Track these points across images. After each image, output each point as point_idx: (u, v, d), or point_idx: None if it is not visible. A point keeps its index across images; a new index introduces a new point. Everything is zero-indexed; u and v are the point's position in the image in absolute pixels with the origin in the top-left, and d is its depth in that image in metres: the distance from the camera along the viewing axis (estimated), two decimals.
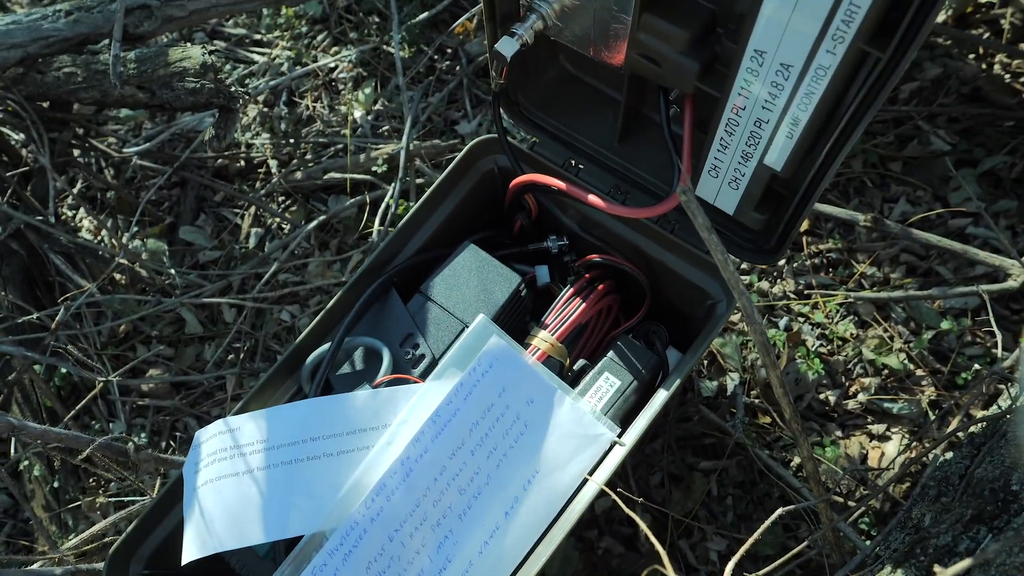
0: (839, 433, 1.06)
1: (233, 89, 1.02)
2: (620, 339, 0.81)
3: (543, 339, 0.80)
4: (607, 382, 0.79)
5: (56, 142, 1.26)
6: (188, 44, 1.02)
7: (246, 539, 0.68)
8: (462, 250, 0.83)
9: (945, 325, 1.08)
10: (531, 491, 0.69)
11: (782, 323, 1.13)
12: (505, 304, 0.80)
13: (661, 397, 0.72)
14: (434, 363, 0.77)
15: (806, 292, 1.15)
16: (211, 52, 1.00)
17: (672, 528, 1.02)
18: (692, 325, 0.84)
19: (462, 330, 0.79)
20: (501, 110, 0.83)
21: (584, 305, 0.83)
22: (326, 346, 0.77)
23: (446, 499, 0.68)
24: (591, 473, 0.70)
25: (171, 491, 0.76)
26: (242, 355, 1.24)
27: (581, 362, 0.83)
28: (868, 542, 0.90)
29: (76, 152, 1.35)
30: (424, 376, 0.76)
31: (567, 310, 0.82)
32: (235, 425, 0.73)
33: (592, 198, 0.78)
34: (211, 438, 0.74)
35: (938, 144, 1.19)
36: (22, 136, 1.30)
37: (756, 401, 1.07)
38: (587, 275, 0.85)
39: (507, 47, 0.70)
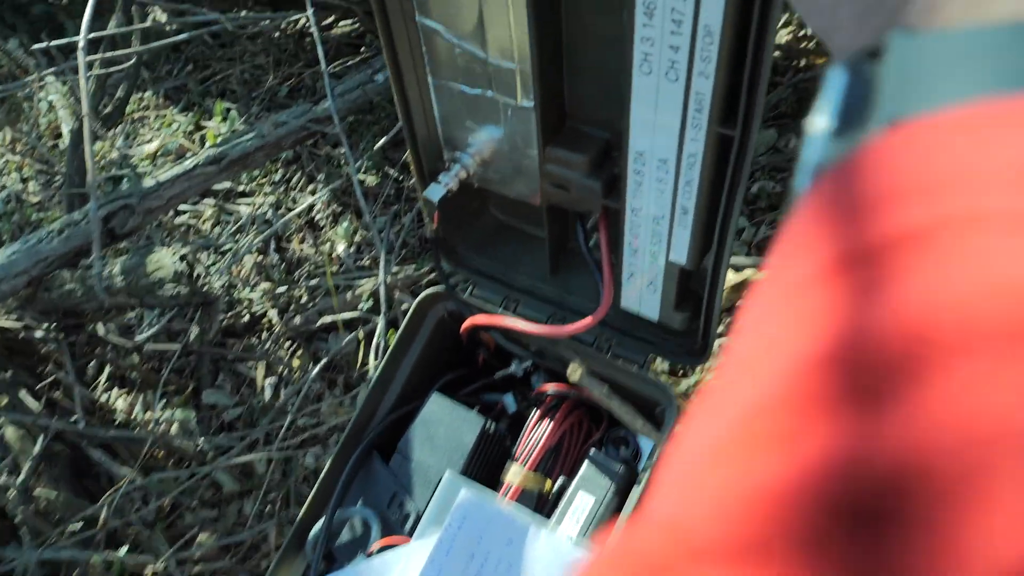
0: None
1: (206, 289, 1.13)
2: (589, 455, 0.88)
3: (515, 473, 0.87)
4: (582, 501, 0.85)
5: (75, 344, 1.40)
6: (163, 248, 1.14)
7: None
8: (428, 402, 0.91)
9: None
10: None
11: None
12: (475, 447, 0.87)
13: (630, 504, 0.78)
14: (419, 518, 0.85)
15: None
16: (182, 257, 1.11)
17: None
18: (655, 424, 0.90)
19: (439, 480, 0.86)
20: (442, 257, 0.92)
21: (552, 426, 0.90)
22: (322, 521, 0.86)
23: None
24: None
25: None
26: (278, 505, 1.34)
27: (561, 480, 0.90)
28: None
29: (96, 349, 1.49)
30: (411, 533, 0.84)
31: (535, 436, 0.89)
32: None
33: (529, 328, 0.86)
34: None
35: None
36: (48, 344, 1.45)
37: None
38: (549, 397, 0.92)
39: (434, 193, 0.79)
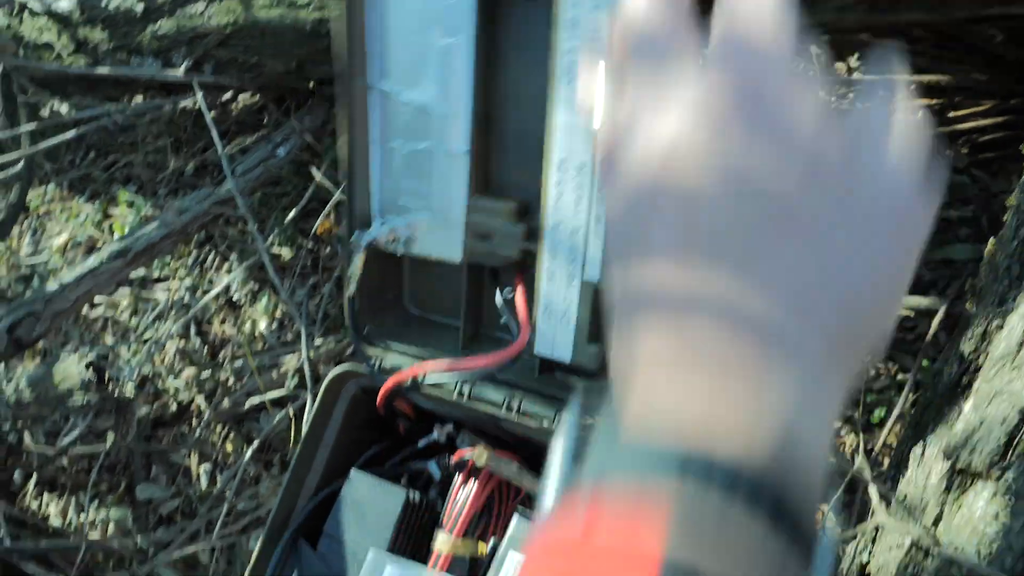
0: None
1: (117, 394, 1.12)
2: (517, 511, 0.88)
3: (443, 542, 0.87)
4: (512, 561, 0.86)
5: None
6: (70, 356, 1.13)
7: None
8: (348, 480, 0.91)
9: None
10: None
11: None
12: (399, 520, 0.88)
13: None
14: None
15: None
16: (88, 365, 1.10)
17: None
18: None
19: (369, 557, 0.86)
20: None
21: (476, 488, 0.90)
22: None
23: None
24: None
25: None
26: None
27: (493, 541, 0.90)
28: None
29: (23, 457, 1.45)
30: None
31: (460, 501, 0.90)
32: None
33: (439, 366, 0.87)
34: None
35: None
36: None
37: None
38: (469, 462, 0.92)
39: (363, 238, 0.85)
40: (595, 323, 0.84)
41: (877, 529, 0.92)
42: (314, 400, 1.27)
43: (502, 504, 0.95)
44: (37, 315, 1.23)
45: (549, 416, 0.86)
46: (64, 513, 1.50)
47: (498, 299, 0.87)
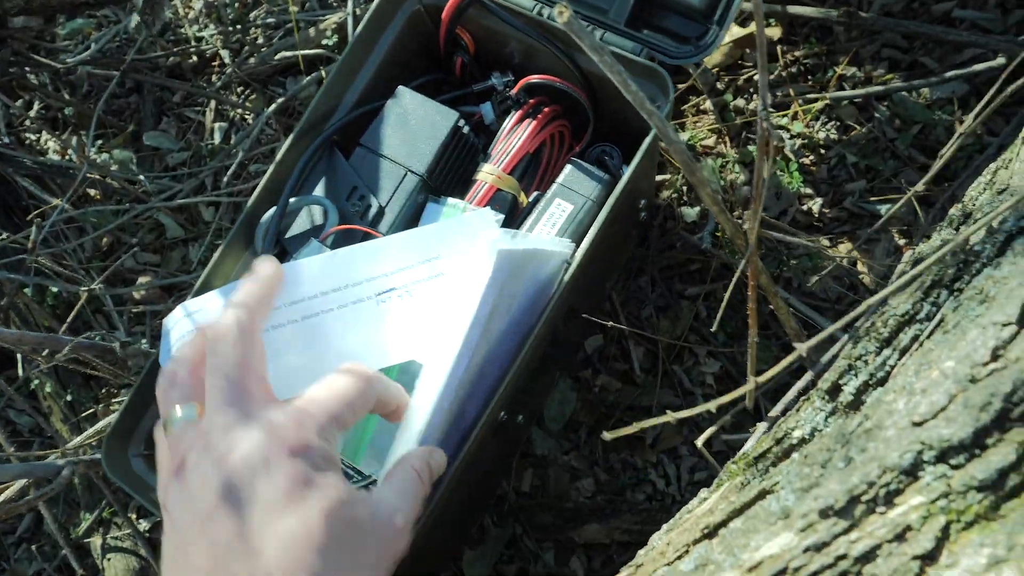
0: (826, 241, 1.06)
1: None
2: (571, 160, 0.82)
3: (488, 172, 0.81)
4: (559, 208, 0.80)
5: None
6: None
7: None
8: (396, 93, 0.83)
9: (931, 117, 1.06)
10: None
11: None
12: (445, 143, 0.81)
13: (607, 204, 0.73)
14: (381, 212, 0.79)
15: (784, 102, 1.14)
16: None
17: (663, 356, 1.05)
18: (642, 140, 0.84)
19: (405, 175, 0.80)
20: None
21: (529, 131, 0.84)
22: (273, 209, 0.80)
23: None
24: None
25: (150, 375, 0.81)
26: None
27: (535, 195, 0.84)
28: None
29: (27, 69, 1.36)
30: (372, 226, 0.78)
31: (512, 138, 0.83)
32: (195, 307, 0.77)
33: None
34: (177, 323, 0.78)
35: None
36: None
37: (739, 219, 1.08)
38: (532, 100, 0.85)
39: None
40: None
41: None
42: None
43: (550, 160, 0.88)
44: None
45: (631, 53, 0.78)
46: (64, 151, 1.43)
47: None
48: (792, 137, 1.11)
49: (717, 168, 1.12)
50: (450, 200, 0.80)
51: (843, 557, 0.41)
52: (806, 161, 1.10)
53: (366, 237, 0.78)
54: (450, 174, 0.83)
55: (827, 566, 0.41)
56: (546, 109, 0.85)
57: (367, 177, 0.81)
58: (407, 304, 0.73)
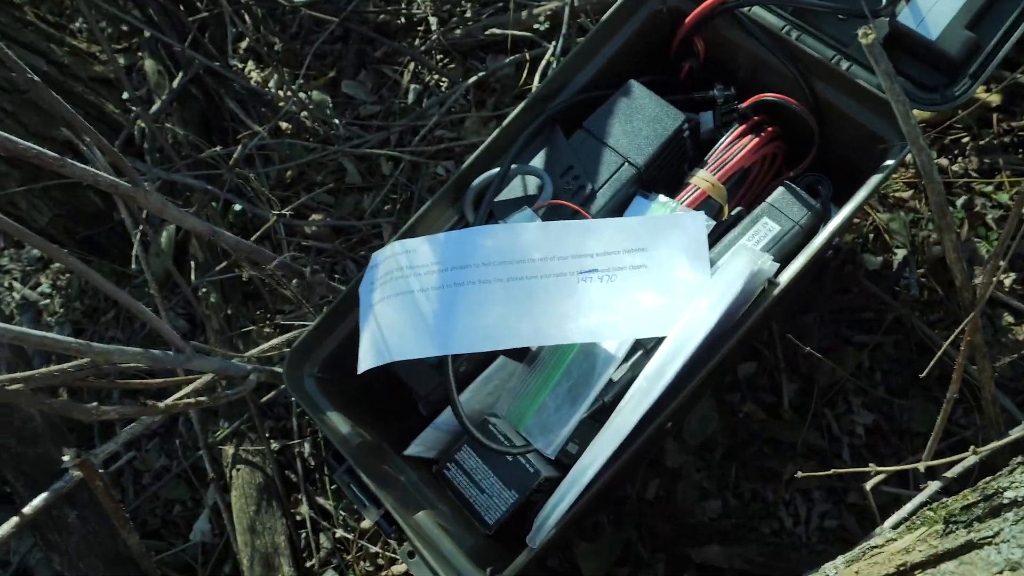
0: (1011, 319, 1.03)
1: None
2: (783, 184, 0.83)
3: (703, 178, 0.83)
4: (765, 227, 0.81)
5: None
6: None
7: (415, 351, 0.77)
8: (627, 86, 0.86)
9: None
10: None
11: (960, 201, 1.10)
12: (667, 142, 0.83)
13: (823, 235, 0.74)
14: (592, 195, 0.82)
15: (991, 171, 1.11)
16: None
17: (817, 398, 1.04)
18: (859, 180, 0.84)
19: (622, 165, 0.83)
20: None
21: (750, 147, 0.85)
22: (491, 172, 0.84)
23: None
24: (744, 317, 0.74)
25: (343, 303, 0.86)
26: (398, 206, 1.34)
27: (738, 210, 0.86)
28: None
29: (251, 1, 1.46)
30: (583, 207, 0.81)
31: (732, 150, 0.85)
32: (410, 247, 0.81)
33: None
34: (387, 259, 0.82)
35: None
36: None
37: (923, 279, 1.06)
38: (756, 117, 0.86)
39: None
40: (980, 12, 0.74)
41: None
42: (565, 49, 1.22)
43: (759, 177, 0.89)
44: None
45: (873, 87, 0.78)
46: (266, 82, 1.53)
47: None
48: (994, 207, 1.09)
49: (908, 222, 1.10)
50: (661, 197, 0.82)
51: None
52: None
53: (575, 216, 0.81)
54: (663, 172, 0.85)
55: None
56: (769, 128, 0.86)
57: (584, 159, 0.84)
58: (607, 288, 0.76)
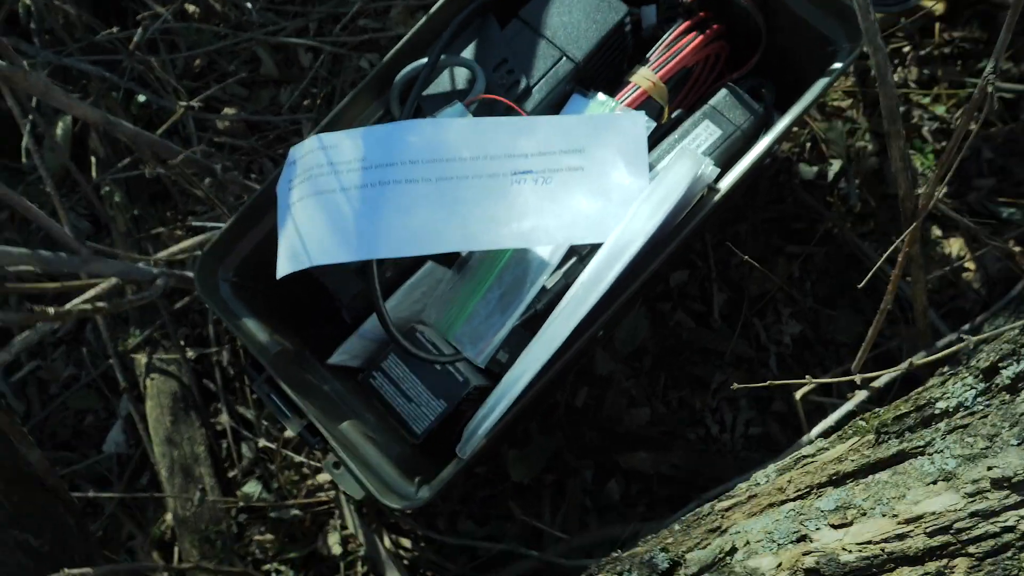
0: (939, 232, 1.05)
1: None
2: (726, 86, 0.80)
3: (644, 77, 0.79)
4: (706, 130, 0.79)
5: None
6: None
7: (337, 256, 0.71)
8: None
9: None
10: None
11: None
12: (608, 35, 0.78)
13: (766, 141, 0.71)
14: (528, 90, 0.78)
15: (930, 82, 1.10)
16: None
17: (747, 308, 1.04)
18: (801, 86, 0.81)
19: (560, 59, 0.78)
20: None
21: (693, 45, 0.81)
22: (419, 62, 0.78)
23: None
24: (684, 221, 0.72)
25: (259, 203, 0.80)
26: (318, 102, 1.26)
27: (678, 112, 0.82)
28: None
29: None
30: (517, 103, 0.77)
31: (675, 48, 0.80)
32: (331, 142, 0.75)
33: None
34: (306, 155, 0.76)
35: None
36: None
37: (858, 191, 1.06)
38: (701, 13, 0.82)
39: None
40: None
41: None
42: None
43: (700, 78, 0.86)
44: None
45: None
46: None
47: None
48: (931, 119, 1.08)
49: (844, 132, 1.09)
50: (600, 96, 0.78)
51: (1010, 529, 0.41)
52: (940, 147, 1.07)
53: (508, 112, 0.76)
54: (602, 69, 0.81)
55: (992, 535, 0.41)
56: (715, 26, 0.82)
57: (519, 52, 0.79)
58: (541, 191, 0.72)
